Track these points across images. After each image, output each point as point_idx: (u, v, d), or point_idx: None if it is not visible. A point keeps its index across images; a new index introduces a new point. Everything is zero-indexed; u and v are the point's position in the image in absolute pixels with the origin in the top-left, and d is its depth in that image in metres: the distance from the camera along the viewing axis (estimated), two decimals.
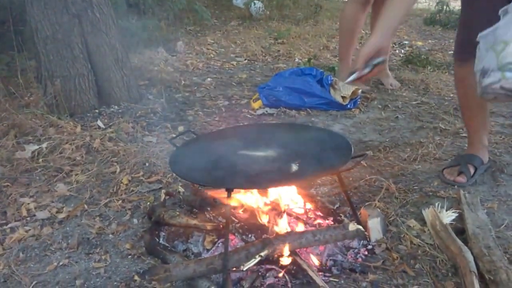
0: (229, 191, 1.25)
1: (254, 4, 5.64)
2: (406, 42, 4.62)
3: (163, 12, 4.86)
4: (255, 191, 1.55)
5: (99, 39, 2.58)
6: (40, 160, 2.03)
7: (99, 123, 2.41)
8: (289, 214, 1.53)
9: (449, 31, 5.27)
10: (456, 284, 1.26)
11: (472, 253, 1.30)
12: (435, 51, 4.19)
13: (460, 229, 1.48)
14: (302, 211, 1.57)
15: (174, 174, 1.89)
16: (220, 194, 1.54)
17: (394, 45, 4.50)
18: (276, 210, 1.52)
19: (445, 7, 5.96)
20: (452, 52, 4.19)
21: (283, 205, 1.56)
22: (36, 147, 2.08)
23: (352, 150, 1.37)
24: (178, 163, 1.38)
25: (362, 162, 1.96)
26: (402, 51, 4.25)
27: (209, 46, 4.40)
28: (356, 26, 2.91)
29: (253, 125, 2.34)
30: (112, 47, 2.63)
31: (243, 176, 1.36)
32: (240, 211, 1.51)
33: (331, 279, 1.31)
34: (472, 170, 1.82)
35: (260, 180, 1.35)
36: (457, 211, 1.54)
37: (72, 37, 2.50)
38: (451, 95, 2.91)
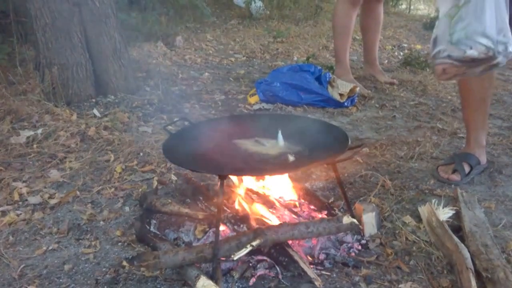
0: (222, 178, 1.22)
1: (255, 3, 5.65)
2: (405, 45, 4.63)
3: (163, 7, 4.85)
4: (249, 181, 1.54)
5: (98, 29, 2.57)
6: (35, 146, 2.01)
7: (95, 111, 2.39)
8: (282, 206, 1.51)
9: None
10: (451, 281, 1.25)
11: (468, 251, 1.28)
12: None
13: (456, 227, 1.46)
14: (296, 203, 1.55)
15: (168, 164, 1.88)
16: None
17: (393, 47, 4.52)
18: (269, 201, 1.51)
19: None
20: None
21: (277, 196, 1.55)
22: (31, 133, 2.07)
23: (349, 141, 1.36)
24: (171, 149, 1.36)
25: (358, 158, 1.96)
26: (401, 53, 4.25)
27: (208, 42, 4.40)
28: (349, 25, 2.95)
29: (249, 115, 2.34)
30: (111, 37, 2.61)
31: (237, 164, 1.35)
32: (233, 201, 1.49)
33: (323, 272, 1.29)
34: (467, 169, 1.81)
35: (254, 168, 1.33)
36: (454, 208, 1.52)
37: (72, 26, 2.48)
38: (449, 97, 2.91)
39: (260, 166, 1.34)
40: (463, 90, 1.81)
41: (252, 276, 1.27)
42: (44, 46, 2.47)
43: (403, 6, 8.43)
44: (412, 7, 8.25)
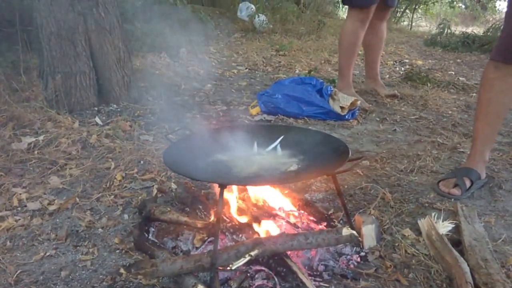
0: (222, 187, 1.22)
1: (258, 17, 5.72)
2: (407, 60, 4.66)
3: (168, 19, 4.91)
4: (249, 191, 1.54)
5: (102, 38, 2.59)
6: (36, 152, 2.02)
7: (97, 120, 2.41)
8: (282, 217, 1.51)
9: (449, 53, 5.34)
10: None
11: (468, 265, 1.28)
12: (435, 70, 4.23)
13: (456, 241, 1.45)
14: (295, 214, 1.54)
15: (168, 173, 1.88)
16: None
17: (394, 62, 4.55)
18: (269, 212, 1.50)
19: (446, 29, 6.05)
20: (452, 72, 4.24)
21: (277, 207, 1.55)
22: (32, 139, 2.07)
23: (350, 152, 1.36)
24: (171, 157, 1.36)
25: (358, 170, 1.96)
26: (402, 68, 4.28)
27: (212, 54, 4.44)
28: (357, 42, 2.96)
29: (250, 125, 2.35)
30: (115, 47, 2.64)
31: (238, 173, 1.35)
32: (232, 211, 1.49)
33: (321, 284, 1.28)
34: (468, 184, 1.80)
35: (254, 178, 1.33)
36: (454, 222, 1.52)
37: (76, 35, 2.51)
38: (450, 112, 2.93)
39: (260, 176, 1.34)
40: (483, 100, 1.79)
41: (250, 286, 1.26)
42: (48, 54, 2.50)
43: (405, 23, 8.54)
44: (413, 23, 8.36)
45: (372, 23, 3.06)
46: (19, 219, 1.57)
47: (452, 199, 1.76)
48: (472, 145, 1.89)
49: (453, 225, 1.50)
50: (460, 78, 3.97)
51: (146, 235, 1.45)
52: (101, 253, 1.41)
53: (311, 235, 1.32)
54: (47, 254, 1.40)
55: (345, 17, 3.19)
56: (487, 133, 1.82)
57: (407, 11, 8.31)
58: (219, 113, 2.73)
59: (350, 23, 2.95)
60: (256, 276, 1.29)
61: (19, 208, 1.65)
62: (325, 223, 1.53)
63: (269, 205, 1.54)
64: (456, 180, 1.81)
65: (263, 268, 1.30)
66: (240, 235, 1.38)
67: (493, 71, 1.72)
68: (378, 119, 2.75)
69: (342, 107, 2.65)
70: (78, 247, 1.44)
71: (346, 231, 1.32)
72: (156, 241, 1.43)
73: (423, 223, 1.52)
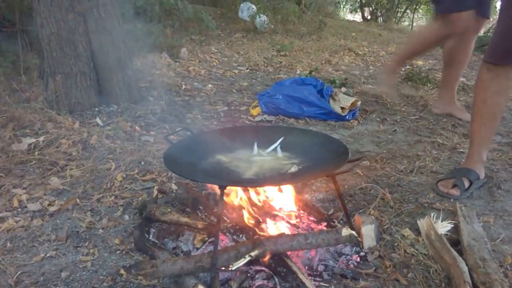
0: (222, 188, 1.23)
1: (259, 17, 5.72)
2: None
3: (169, 19, 4.93)
4: (249, 192, 1.54)
5: (103, 38, 2.60)
6: (36, 153, 2.02)
7: (98, 120, 2.41)
8: (282, 217, 1.51)
9: None
10: None
11: (466, 265, 1.28)
12: (435, 71, 4.23)
13: (455, 241, 1.46)
14: (295, 215, 1.55)
15: (169, 173, 1.88)
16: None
17: None
18: (269, 213, 1.51)
19: None
20: None
21: (277, 208, 1.55)
22: (33, 140, 2.07)
23: (349, 153, 1.36)
24: (172, 159, 1.37)
25: (358, 171, 1.96)
26: (403, 68, 4.27)
27: (213, 54, 4.45)
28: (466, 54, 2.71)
29: (250, 126, 2.35)
30: (116, 47, 2.64)
31: (238, 175, 1.35)
32: (232, 211, 1.49)
33: (321, 283, 1.28)
34: (467, 184, 1.81)
35: (254, 179, 1.34)
36: (453, 222, 1.52)
37: (76, 35, 2.51)
38: None
39: (260, 177, 1.34)
40: (478, 101, 1.80)
41: (250, 286, 1.26)
42: (48, 54, 2.50)
43: (406, 23, 8.54)
44: (414, 24, 8.37)
45: (467, 37, 2.61)
46: (20, 220, 1.57)
47: (451, 199, 1.77)
48: (470, 146, 1.89)
49: (452, 225, 1.50)
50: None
51: (147, 236, 1.46)
52: (101, 254, 1.41)
53: (311, 236, 1.32)
54: (48, 255, 1.40)
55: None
56: (484, 133, 1.83)
57: (407, 11, 8.32)
58: (220, 114, 2.74)
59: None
60: (257, 276, 1.30)
61: (19, 209, 1.65)
62: (325, 223, 1.54)
63: (270, 205, 1.55)
64: (455, 181, 1.82)
65: (263, 268, 1.31)
66: (241, 236, 1.39)
67: (486, 73, 1.73)
68: (378, 119, 2.75)
69: (342, 108, 2.65)
70: (78, 248, 1.44)
71: (345, 231, 1.33)
72: (156, 241, 1.44)
73: (422, 223, 1.52)
